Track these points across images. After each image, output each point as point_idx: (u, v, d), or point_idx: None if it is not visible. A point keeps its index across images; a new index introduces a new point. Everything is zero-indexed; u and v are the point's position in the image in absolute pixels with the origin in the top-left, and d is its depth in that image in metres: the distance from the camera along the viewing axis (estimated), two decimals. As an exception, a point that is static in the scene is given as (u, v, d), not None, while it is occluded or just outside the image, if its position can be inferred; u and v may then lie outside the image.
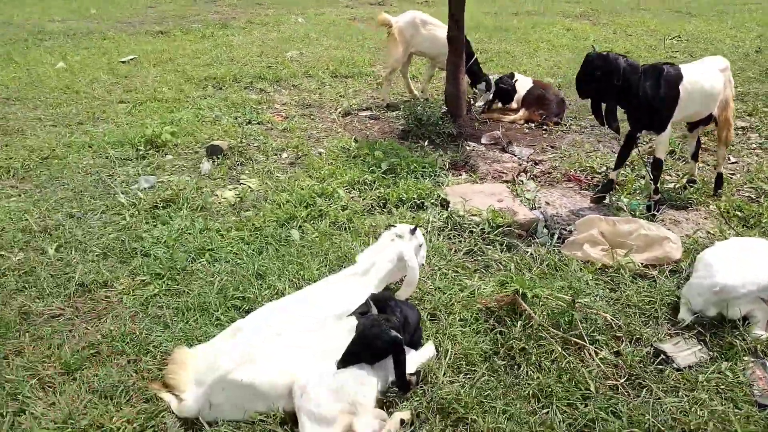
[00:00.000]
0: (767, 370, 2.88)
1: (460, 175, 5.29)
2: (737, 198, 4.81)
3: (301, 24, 14.31)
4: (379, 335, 2.58)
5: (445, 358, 2.92)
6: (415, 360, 2.84)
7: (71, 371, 3.00)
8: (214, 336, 3.07)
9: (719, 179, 4.88)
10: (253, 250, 3.95)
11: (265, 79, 8.78)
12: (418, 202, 4.61)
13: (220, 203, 4.67)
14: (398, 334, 2.60)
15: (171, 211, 4.51)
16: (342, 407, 2.51)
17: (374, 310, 2.72)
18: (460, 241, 4.06)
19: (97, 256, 3.99)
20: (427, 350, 2.95)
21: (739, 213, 4.48)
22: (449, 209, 4.36)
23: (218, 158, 5.58)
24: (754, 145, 6.08)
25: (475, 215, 4.22)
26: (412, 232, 3.30)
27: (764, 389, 2.77)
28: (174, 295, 3.54)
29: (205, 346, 2.96)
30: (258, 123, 6.76)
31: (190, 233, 4.17)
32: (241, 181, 5.12)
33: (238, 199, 4.75)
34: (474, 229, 4.11)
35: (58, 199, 4.85)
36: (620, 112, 4.40)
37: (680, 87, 4.23)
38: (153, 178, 5.15)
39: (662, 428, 2.53)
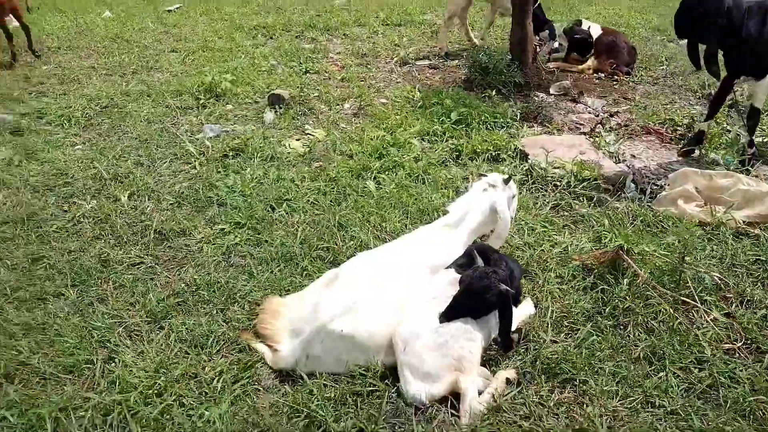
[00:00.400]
0: None
1: (533, 126, 5.06)
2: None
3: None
4: (489, 288, 2.44)
5: (546, 317, 2.79)
6: (515, 317, 2.70)
7: (157, 320, 2.96)
8: (303, 286, 3.00)
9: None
10: (331, 201, 3.84)
11: (315, 28, 8.56)
12: (494, 153, 4.42)
13: (289, 153, 4.54)
14: (508, 288, 2.46)
15: (241, 161, 4.42)
16: (448, 363, 2.40)
17: (480, 262, 2.58)
18: (544, 195, 3.88)
19: (170, 204, 3.93)
20: (527, 308, 2.82)
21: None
22: (529, 161, 4.16)
23: (280, 108, 5.43)
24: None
25: (558, 168, 4.02)
26: (506, 181, 3.12)
27: None
28: (256, 245, 3.46)
29: (298, 295, 2.87)
30: (315, 72, 6.58)
31: (263, 183, 4.07)
32: (306, 132, 4.98)
33: (307, 149, 4.62)
34: (558, 183, 3.92)
35: (124, 148, 4.79)
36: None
37: None
38: (218, 126, 5.04)
39: (788, 395, 2.37)
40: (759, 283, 3.04)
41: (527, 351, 2.64)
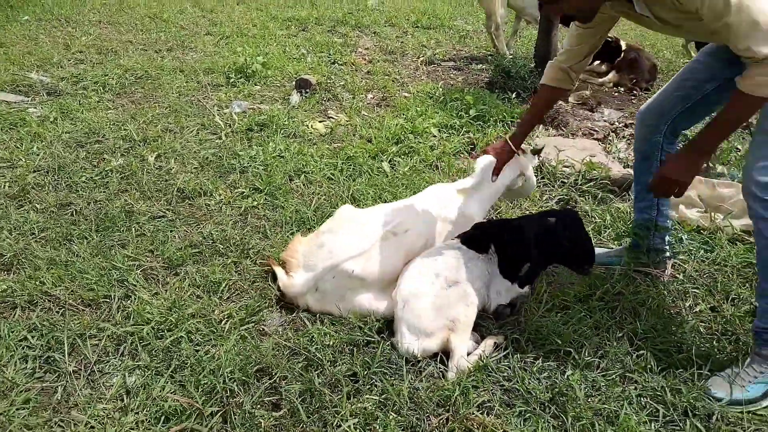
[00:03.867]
0: None
1: (548, 129, 5.21)
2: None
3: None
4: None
5: (540, 294, 2.94)
6: (511, 292, 2.86)
7: (174, 266, 3.15)
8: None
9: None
10: (347, 177, 4.02)
11: (347, 24, 8.78)
12: (507, 149, 4.57)
13: (311, 132, 4.75)
14: None
15: (265, 135, 4.62)
16: (443, 323, 2.55)
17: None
18: (551, 190, 4.03)
19: (194, 167, 4.13)
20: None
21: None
22: (540, 158, 4.31)
23: (307, 92, 5.64)
24: None
25: (568, 167, 4.17)
26: (534, 152, 3.34)
27: None
28: (272, 209, 3.65)
29: (315, 233, 3.04)
30: (343, 64, 6.79)
31: (284, 156, 4.26)
32: (329, 116, 5.18)
33: (328, 131, 4.82)
34: (566, 180, 4.07)
35: (155, 114, 5.02)
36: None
37: None
38: (245, 103, 5.26)
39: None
40: (747, 284, 3.16)
41: (517, 323, 2.79)
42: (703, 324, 2.85)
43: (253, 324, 2.76)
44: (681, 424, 2.31)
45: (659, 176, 2.47)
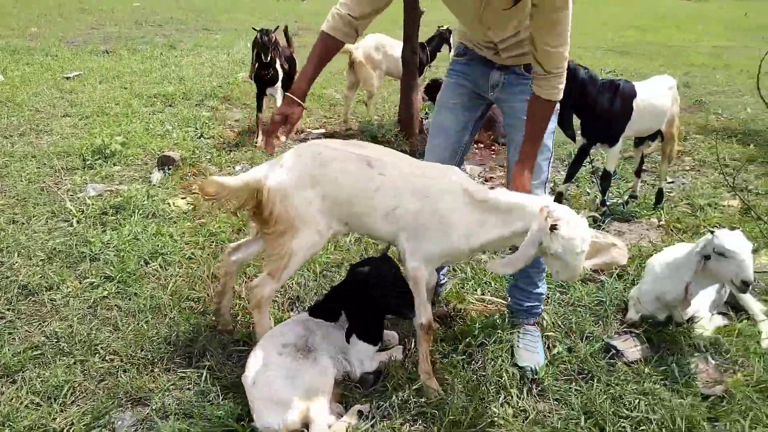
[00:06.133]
0: (709, 363, 3.01)
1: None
2: (676, 212, 5.04)
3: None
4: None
5: (407, 357, 2.93)
6: (381, 357, 2.84)
7: (12, 373, 2.85)
8: (169, 337, 2.99)
9: (660, 194, 5.11)
10: (208, 254, 3.88)
11: (216, 98, 8.72)
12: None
13: (172, 210, 4.57)
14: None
15: (121, 218, 4.39)
16: (299, 393, 2.45)
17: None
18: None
19: (41, 260, 3.83)
20: (396, 352, 2.94)
21: (678, 225, 4.72)
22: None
23: (170, 169, 5.48)
24: (687, 167, 6.42)
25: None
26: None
27: (707, 381, 2.89)
28: (124, 298, 3.43)
29: None
30: (210, 137, 6.70)
31: (139, 239, 4.05)
32: (193, 191, 5.04)
33: (191, 207, 4.67)
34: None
35: (0, 206, 4.65)
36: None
37: (633, 103, 4.45)
38: (101, 186, 5.00)
39: (612, 416, 2.59)
40: (599, 321, 3.34)
41: (386, 389, 2.75)
42: (561, 366, 2.96)
43: (99, 429, 2.53)
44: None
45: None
